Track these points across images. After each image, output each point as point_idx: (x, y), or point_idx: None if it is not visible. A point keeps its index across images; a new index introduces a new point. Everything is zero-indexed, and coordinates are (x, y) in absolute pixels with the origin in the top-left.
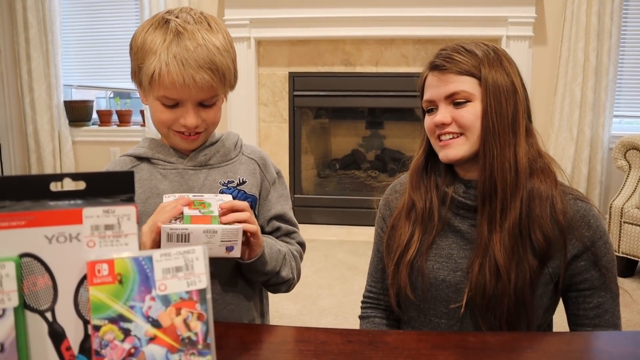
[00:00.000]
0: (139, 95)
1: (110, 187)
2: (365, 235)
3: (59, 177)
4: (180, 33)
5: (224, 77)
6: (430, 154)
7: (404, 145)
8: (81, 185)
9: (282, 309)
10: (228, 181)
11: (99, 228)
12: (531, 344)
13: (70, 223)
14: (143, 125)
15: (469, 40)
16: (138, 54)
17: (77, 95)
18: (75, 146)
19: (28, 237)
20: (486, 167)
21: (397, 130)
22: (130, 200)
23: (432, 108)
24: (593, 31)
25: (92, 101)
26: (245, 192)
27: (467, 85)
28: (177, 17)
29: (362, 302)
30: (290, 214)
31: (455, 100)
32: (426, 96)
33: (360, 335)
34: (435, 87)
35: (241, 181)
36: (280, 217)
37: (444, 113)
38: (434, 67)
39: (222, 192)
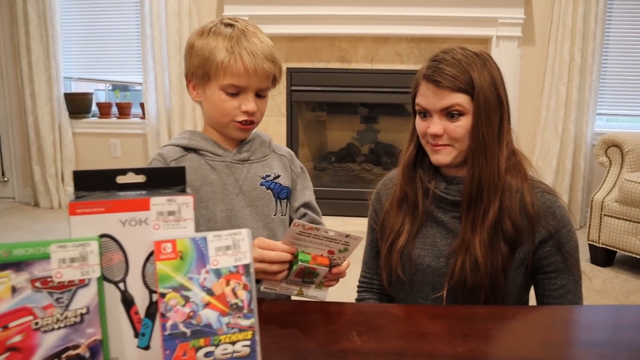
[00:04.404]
0: (189, 93)
1: (166, 180)
2: (360, 226)
3: (123, 172)
4: (245, 32)
5: (279, 70)
6: (420, 149)
7: (397, 140)
8: (141, 178)
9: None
10: (266, 175)
11: (163, 214)
12: (515, 315)
13: (139, 210)
14: (143, 117)
15: (461, 40)
16: (202, 51)
17: (76, 88)
18: (76, 138)
19: (106, 221)
20: (474, 176)
21: (391, 125)
22: (183, 191)
23: (425, 113)
24: (578, 33)
25: (92, 93)
26: (280, 184)
27: (461, 100)
28: (236, 21)
29: (358, 286)
30: (315, 203)
31: (450, 112)
32: (421, 103)
33: (370, 308)
34: (430, 100)
35: (276, 175)
36: (306, 205)
37: (437, 125)
38: (430, 80)
39: (261, 184)
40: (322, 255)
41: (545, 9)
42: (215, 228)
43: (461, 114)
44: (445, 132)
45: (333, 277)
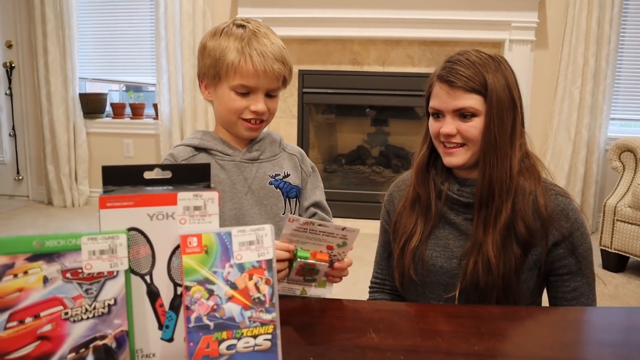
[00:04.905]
0: (201, 92)
1: (191, 176)
2: (370, 228)
3: (151, 167)
4: (256, 33)
5: (290, 71)
6: (432, 151)
7: (407, 142)
8: (167, 174)
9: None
10: (275, 174)
11: (190, 209)
12: (530, 315)
13: (167, 204)
14: (156, 118)
15: (473, 43)
16: (213, 51)
17: (90, 88)
18: (90, 137)
19: (134, 214)
20: (485, 177)
21: (401, 128)
22: (207, 187)
23: (439, 114)
24: (592, 37)
25: (106, 94)
26: (290, 183)
27: (474, 101)
28: (248, 22)
29: (370, 287)
30: (325, 203)
31: (462, 113)
32: (434, 104)
33: (386, 306)
34: (443, 100)
35: (286, 174)
36: (316, 205)
37: (450, 125)
38: (444, 80)
39: (270, 184)
40: (321, 252)
41: (559, 12)
42: (223, 227)
43: (474, 114)
44: (458, 132)
45: (336, 273)
